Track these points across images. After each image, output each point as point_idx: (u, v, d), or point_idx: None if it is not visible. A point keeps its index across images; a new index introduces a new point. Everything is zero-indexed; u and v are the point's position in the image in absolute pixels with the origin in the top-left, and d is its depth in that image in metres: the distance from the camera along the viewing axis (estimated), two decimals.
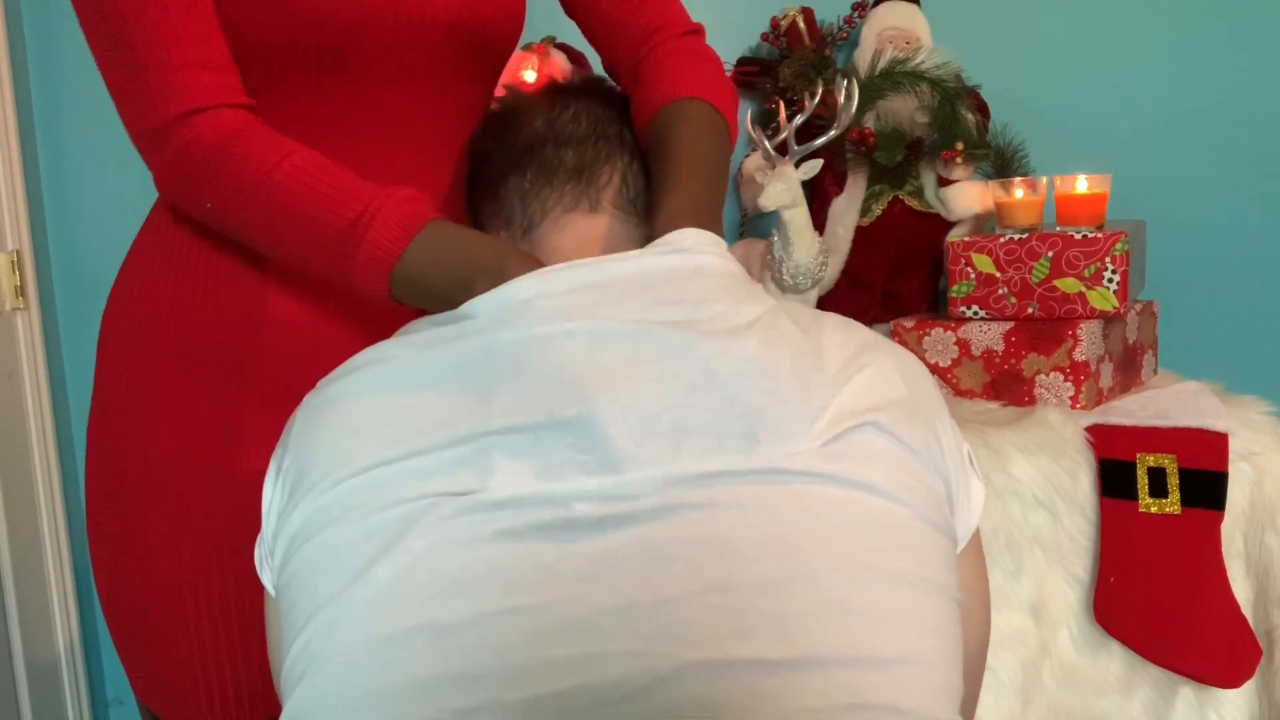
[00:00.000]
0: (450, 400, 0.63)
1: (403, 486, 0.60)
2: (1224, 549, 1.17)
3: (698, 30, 0.98)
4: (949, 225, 1.50)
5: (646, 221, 0.84)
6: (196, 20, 0.81)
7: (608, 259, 0.71)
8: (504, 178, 0.85)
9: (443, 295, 0.75)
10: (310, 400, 0.70)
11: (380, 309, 0.82)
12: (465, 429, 0.61)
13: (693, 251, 0.73)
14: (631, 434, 0.60)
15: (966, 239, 1.32)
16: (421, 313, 0.78)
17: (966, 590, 0.70)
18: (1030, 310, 1.29)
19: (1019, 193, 1.35)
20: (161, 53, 0.80)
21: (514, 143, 0.85)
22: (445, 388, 0.64)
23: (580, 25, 1.01)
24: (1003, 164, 1.50)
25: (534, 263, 0.75)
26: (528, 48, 1.55)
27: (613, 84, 0.96)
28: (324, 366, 0.74)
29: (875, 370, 0.66)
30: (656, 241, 0.75)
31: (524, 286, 0.69)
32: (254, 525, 0.74)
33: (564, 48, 1.58)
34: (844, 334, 0.70)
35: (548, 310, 0.67)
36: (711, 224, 0.78)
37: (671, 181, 0.83)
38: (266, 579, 0.71)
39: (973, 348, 1.32)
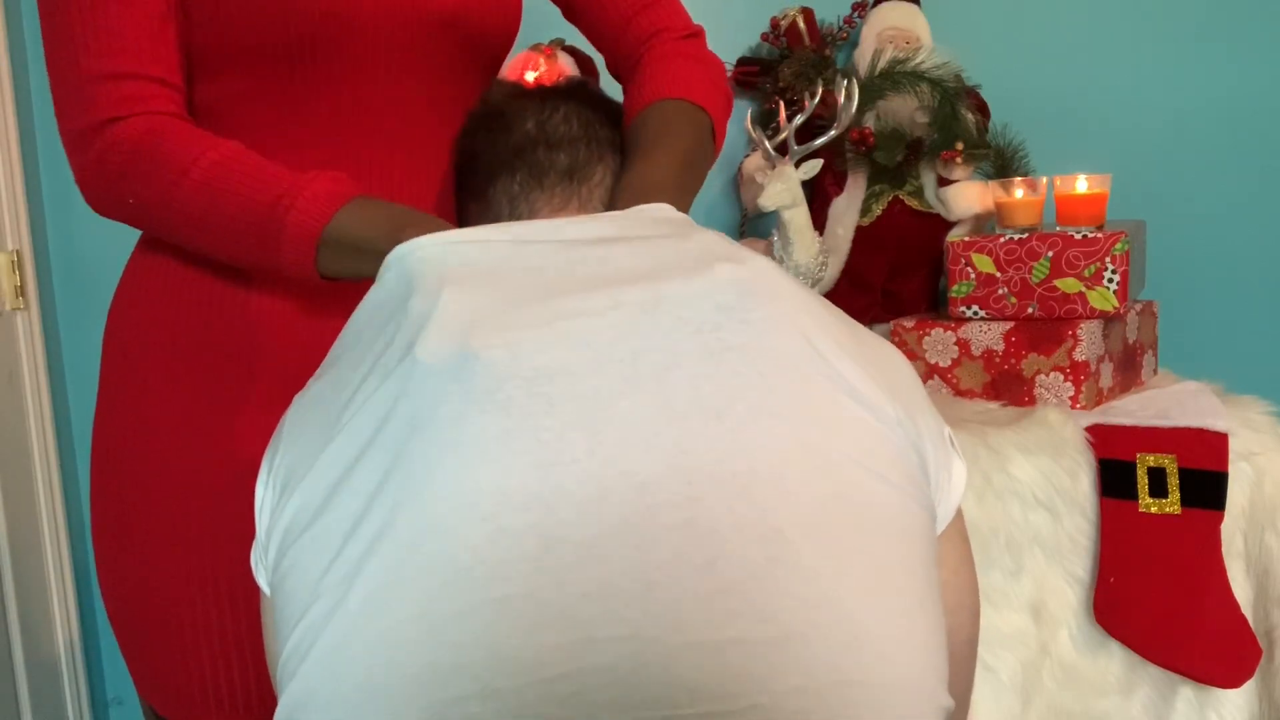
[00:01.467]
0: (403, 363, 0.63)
1: (384, 477, 0.60)
2: (1224, 549, 1.17)
3: (698, 33, 0.99)
4: (949, 225, 1.50)
5: None
6: (137, 27, 0.82)
7: (553, 221, 0.71)
8: (493, 179, 0.85)
9: (371, 248, 0.76)
10: (299, 398, 0.71)
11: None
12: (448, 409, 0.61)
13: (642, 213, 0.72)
14: (600, 382, 0.60)
15: (966, 239, 1.32)
16: None
17: (952, 574, 0.70)
18: (1030, 310, 1.29)
19: (1019, 193, 1.35)
20: (89, 60, 0.82)
21: (504, 144, 0.85)
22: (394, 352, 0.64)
23: (582, 28, 1.02)
24: (1003, 164, 1.50)
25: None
26: (535, 48, 1.55)
27: (598, 88, 0.96)
28: (315, 361, 0.74)
29: (852, 346, 0.66)
30: (610, 212, 0.74)
31: (456, 234, 0.69)
32: (246, 523, 0.74)
33: (572, 51, 1.57)
34: (821, 313, 0.69)
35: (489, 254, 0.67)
36: (676, 202, 0.78)
37: (637, 157, 0.83)
38: (261, 579, 0.71)
39: (973, 348, 1.32)
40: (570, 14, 1.02)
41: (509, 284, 0.65)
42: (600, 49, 1.02)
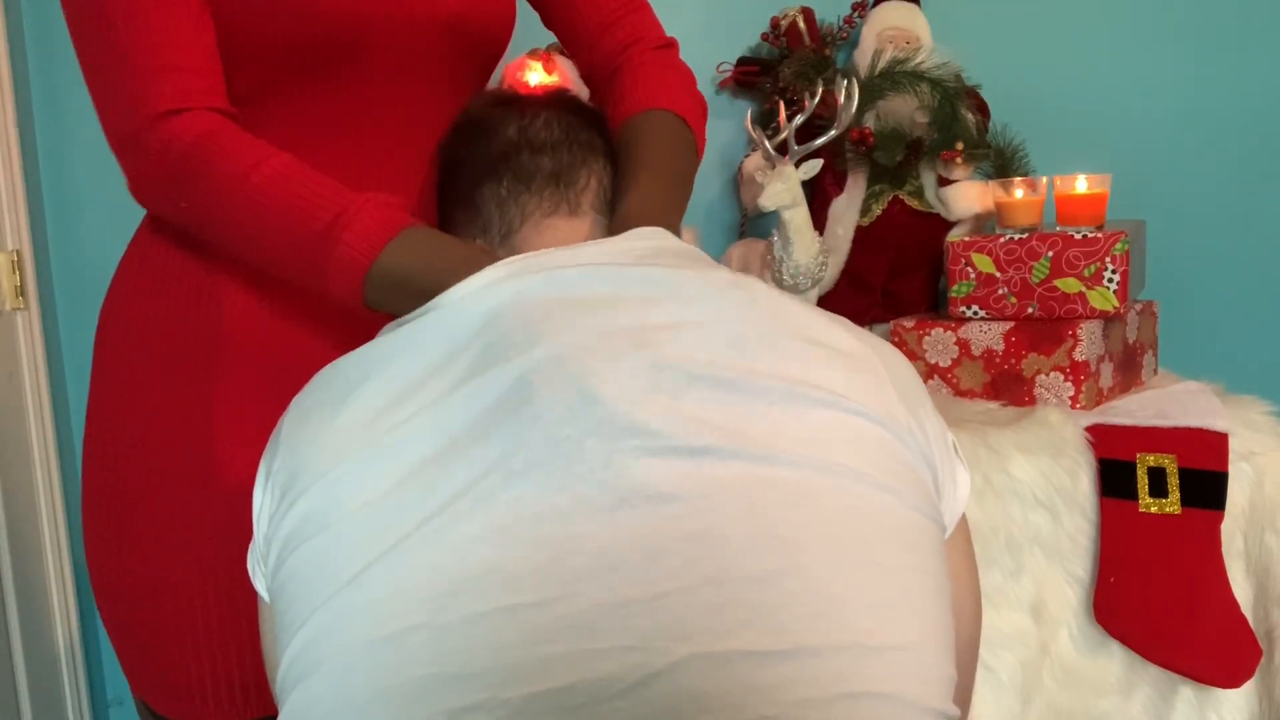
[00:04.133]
0: (433, 391, 0.64)
1: (397, 489, 0.61)
2: (1224, 549, 1.17)
3: (671, 44, 1.01)
4: (949, 225, 1.50)
5: None
6: (181, 24, 0.82)
7: (576, 247, 0.73)
8: (478, 185, 0.85)
9: (419, 290, 0.75)
10: (298, 402, 0.70)
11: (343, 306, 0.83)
12: (459, 420, 0.62)
13: (650, 239, 0.75)
14: (622, 394, 0.61)
15: (966, 239, 1.32)
16: (387, 317, 0.78)
17: (955, 579, 0.70)
18: (1030, 310, 1.29)
19: (1019, 193, 1.35)
20: (141, 56, 0.80)
21: (486, 150, 0.86)
22: (427, 377, 0.64)
23: (558, 36, 1.03)
24: (1003, 164, 1.50)
25: None
26: (533, 53, 1.55)
27: (579, 97, 0.97)
28: (288, 361, 0.74)
29: (857, 358, 0.67)
30: (610, 238, 0.76)
31: (498, 270, 0.70)
32: (240, 520, 0.74)
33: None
34: (822, 318, 0.70)
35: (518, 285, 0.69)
36: (668, 224, 0.80)
37: (629, 183, 0.85)
38: (260, 584, 0.71)
39: (973, 348, 1.32)
40: (547, 19, 1.03)
41: (548, 310, 0.67)
42: (574, 54, 1.03)
